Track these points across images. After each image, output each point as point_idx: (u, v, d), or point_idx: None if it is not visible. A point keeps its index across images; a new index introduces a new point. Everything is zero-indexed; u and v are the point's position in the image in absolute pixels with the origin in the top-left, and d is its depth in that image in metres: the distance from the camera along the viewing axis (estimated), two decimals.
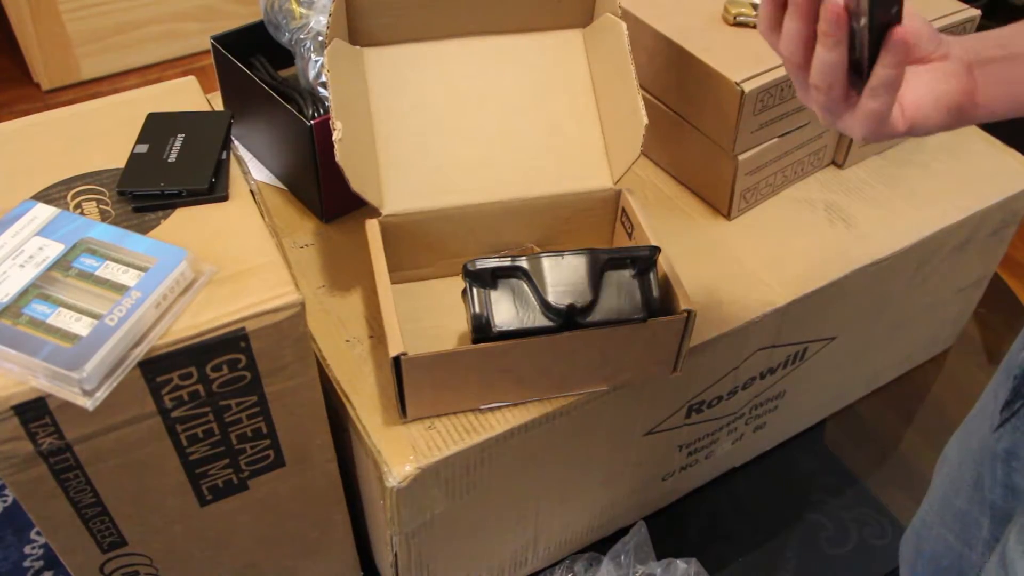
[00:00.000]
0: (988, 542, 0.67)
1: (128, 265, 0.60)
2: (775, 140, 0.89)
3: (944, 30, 0.93)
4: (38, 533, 1.00)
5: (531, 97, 0.84)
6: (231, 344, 0.60)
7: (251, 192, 0.68)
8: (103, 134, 0.71)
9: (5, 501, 1.03)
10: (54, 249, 0.61)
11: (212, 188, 0.67)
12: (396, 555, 0.77)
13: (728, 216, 0.92)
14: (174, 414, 0.62)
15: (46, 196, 0.66)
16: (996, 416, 0.63)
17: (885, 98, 0.46)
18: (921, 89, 0.49)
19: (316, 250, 0.88)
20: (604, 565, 0.92)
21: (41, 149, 0.71)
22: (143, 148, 0.69)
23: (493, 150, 0.81)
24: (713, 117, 0.86)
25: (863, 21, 0.44)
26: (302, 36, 0.90)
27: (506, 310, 0.69)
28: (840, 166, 1.00)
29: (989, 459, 0.66)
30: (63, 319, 0.56)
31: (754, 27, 0.88)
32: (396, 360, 0.66)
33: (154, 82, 0.78)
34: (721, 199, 0.92)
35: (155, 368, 0.58)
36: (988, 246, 1.04)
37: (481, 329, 0.69)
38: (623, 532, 0.98)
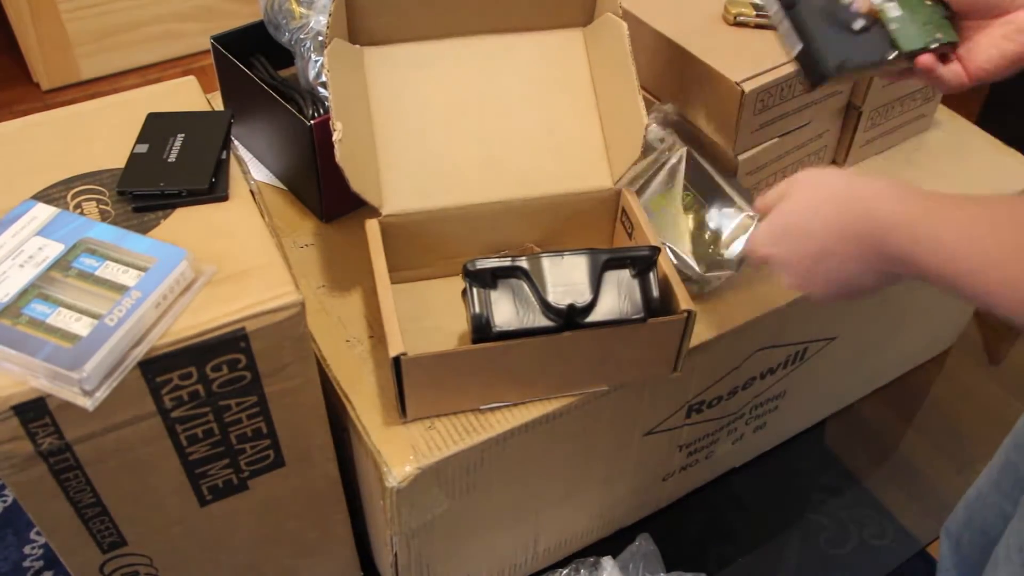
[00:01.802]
0: None
1: (128, 265, 0.60)
2: (775, 140, 0.89)
3: None
4: (38, 533, 1.00)
5: (531, 97, 0.84)
6: (231, 344, 0.60)
7: (251, 192, 0.68)
8: (103, 134, 0.71)
9: (5, 501, 1.03)
10: (54, 249, 0.61)
11: (212, 188, 0.67)
12: (396, 555, 0.77)
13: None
14: (174, 414, 0.62)
15: (46, 196, 0.66)
16: None
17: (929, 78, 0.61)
18: (976, 51, 0.59)
19: (316, 250, 0.88)
20: (611, 572, 0.92)
21: (41, 149, 0.70)
22: (143, 148, 0.69)
23: (493, 150, 0.81)
24: (713, 117, 0.86)
25: None
26: (302, 36, 0.90)
27: (506, 310, 0.69)
28: (840, 166, 1.00)
29: None
30: (63, 319, 0.56)
31: (754, 27, 0.88)
32: (396, 360, 0.66)
33: (154, 82, 0.78)
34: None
35: (155, 368, 0.58)
36: None
37: (481, 329, 0.69)
38: (623, 532, 0.98)
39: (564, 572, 0.94)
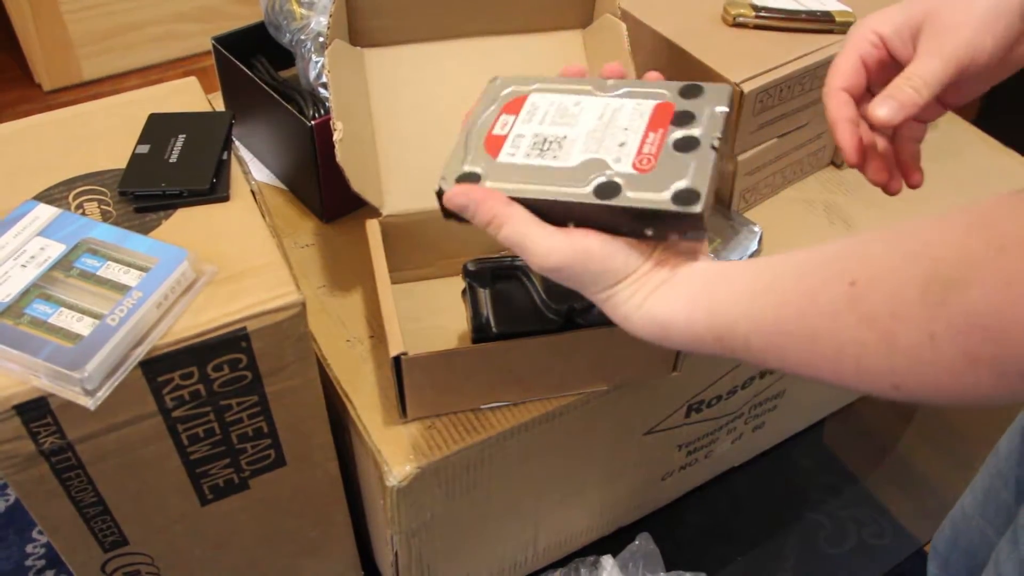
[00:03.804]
0: None
1: (129, 265, 0.60)
2: (774, 140, 0.89)
3: None
4: (40, 532, 1.00)
5: None
6: (232, 344, 0.60)
7: (252, 192, 0.69)
8: (104, 134, 0.72)
9: (7, 500, 1.04)
10: (55, 249, 0.61)
11: (213, 188, 0.67)
12: (396, 554, 0.77)
13: (728, 216, 0.92)
14: (175, 414, 0.62)
15: (48, 196, 0.66)
16: None
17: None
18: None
19: (316, 250, 0.88)
20: (610, 571, 0.92)
21: (43, 150, 0.71)
22: (144, 148, 0.69)
23: None
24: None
25: None
26: (303, 37, 0.90)
27: (506, 310, 0.70)
28: (839, 166, 1.00)
29: (1022, 434, 0.66)
30: (65, 319, 0.56)
31: (754, 28, 0.89)
32: (396, 360, 0.66)
33: (155, 83, 0.78)
34: (721, 199, 0.92)
35: (156, 368, 0.58)
36: None
37: (481, 329, 0.69)
38: (623, 532, 0.98)
39: (564, 571, 0.95)
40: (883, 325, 0.36)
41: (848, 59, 0.56)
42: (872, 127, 0.57)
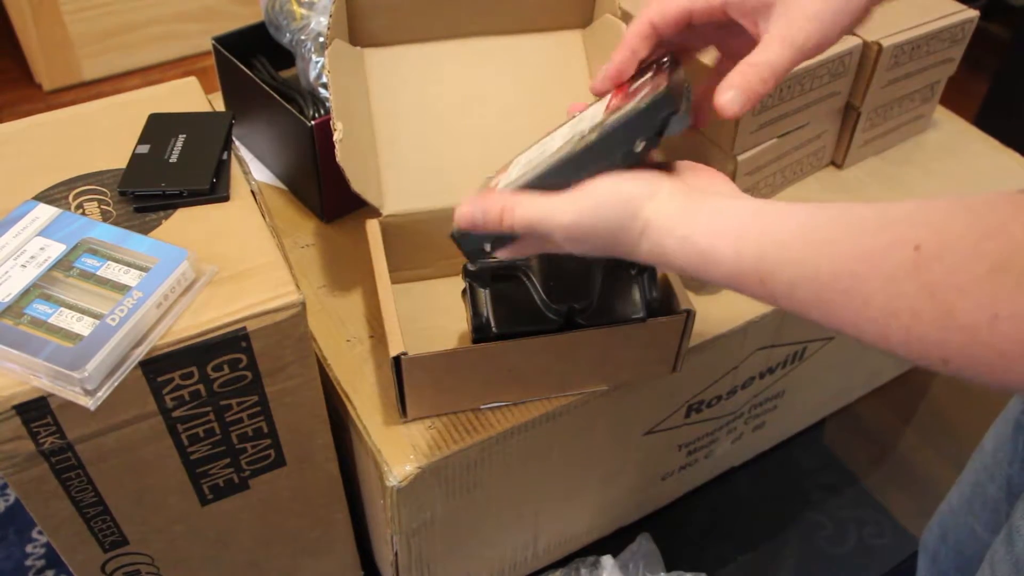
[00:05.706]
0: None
1: (129, 265, 0.60)
2: (774, 140, 0.89)
3: (942, 31, 0.93)
4: (40, 532, 1.00)
5: (531, 97, 0.84)
6: (232, 344, 0.60)
7: (252, 192, 0.69)
8: (104, 135, 0.72)
9: (7, 500, 1.04)
10: (56, 249, 0.61)
11: (213, 188, 0.67)
12: (396, 554, 0.77)
13: None
14: (175, 414, 0.62)
15: (48, 196, 0.66)
16: None
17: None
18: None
19: (317, 250, 0.88)
20: (610, 571, 0.92)
21: (43, 150, 0.71)
22: (144, 148, 0.69)
23: (493, 150, 0.82)
24: (712, 117, 0.86)
25: None
26: (303, 37, 0.91)
27: (506, 310, 0.70)
28: (839, 166, 1.00)
29: (1013, 431, 0.65)
30: (65, 319, 0.57)
31: None
32: (396, 360, 0.66)
33: (155, 83, 0.78)
34: None
35: (156, 368, 0.58)
36: None
37: (481, 329, 0.69)
38: (623, 531, 0.98)
39: (564, 571, 0.95)
40: (944, 297, 0.35)
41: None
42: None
